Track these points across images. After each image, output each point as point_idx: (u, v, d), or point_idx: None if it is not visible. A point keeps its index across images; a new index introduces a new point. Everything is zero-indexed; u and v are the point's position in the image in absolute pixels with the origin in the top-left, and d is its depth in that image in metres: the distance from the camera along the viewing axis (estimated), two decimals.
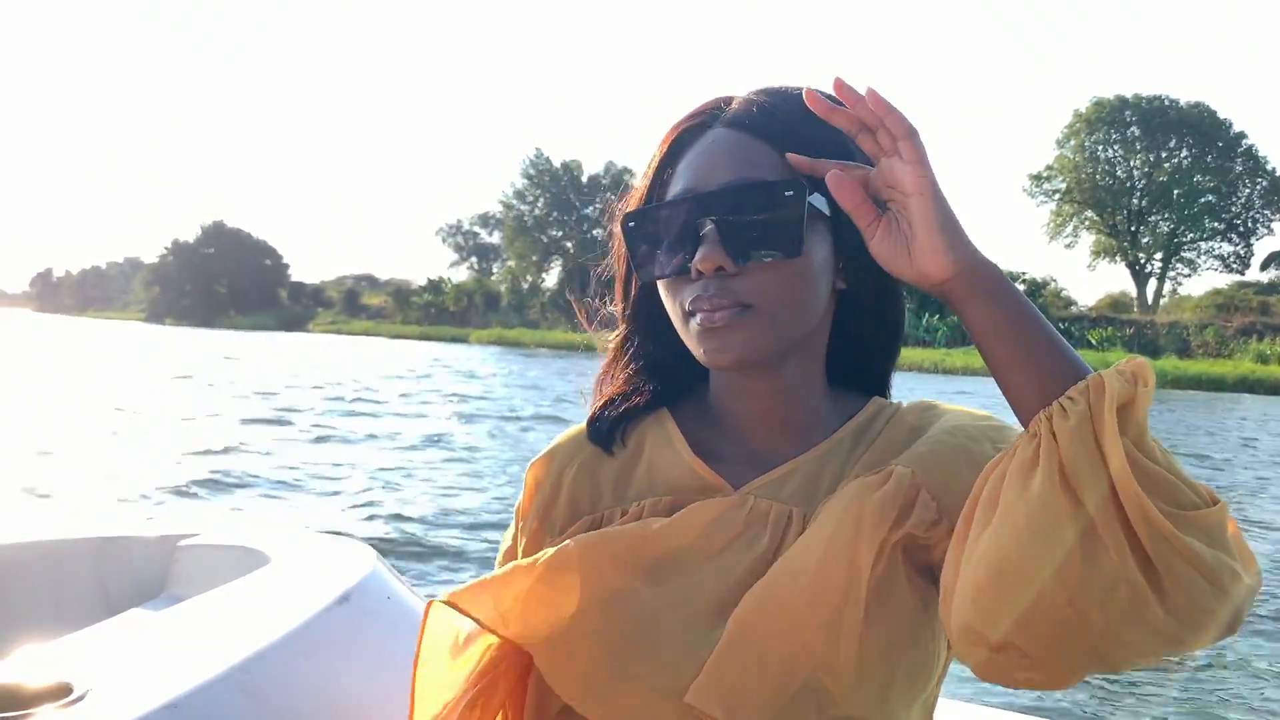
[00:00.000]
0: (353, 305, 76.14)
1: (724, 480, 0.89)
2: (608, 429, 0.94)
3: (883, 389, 0.97)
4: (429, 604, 0.91)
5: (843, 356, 0.94)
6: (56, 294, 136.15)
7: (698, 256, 0.81)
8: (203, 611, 1.34)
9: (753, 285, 0.82)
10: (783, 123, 0.85)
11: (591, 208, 64.55)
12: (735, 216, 0.81)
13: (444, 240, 69.34)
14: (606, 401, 0.95)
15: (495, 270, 71.39)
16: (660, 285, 0.88)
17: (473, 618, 0.86)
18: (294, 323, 73.41)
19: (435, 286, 68.35)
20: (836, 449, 0.89)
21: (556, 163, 65.96)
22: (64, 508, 6.48)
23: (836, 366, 0.94)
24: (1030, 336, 0.76)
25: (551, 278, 65.81)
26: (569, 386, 21.78)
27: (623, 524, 0.88)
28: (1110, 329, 39.95)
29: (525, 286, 64.48)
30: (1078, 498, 0.68)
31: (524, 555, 0.91)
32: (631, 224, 0.87)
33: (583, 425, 0.96)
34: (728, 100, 0.89)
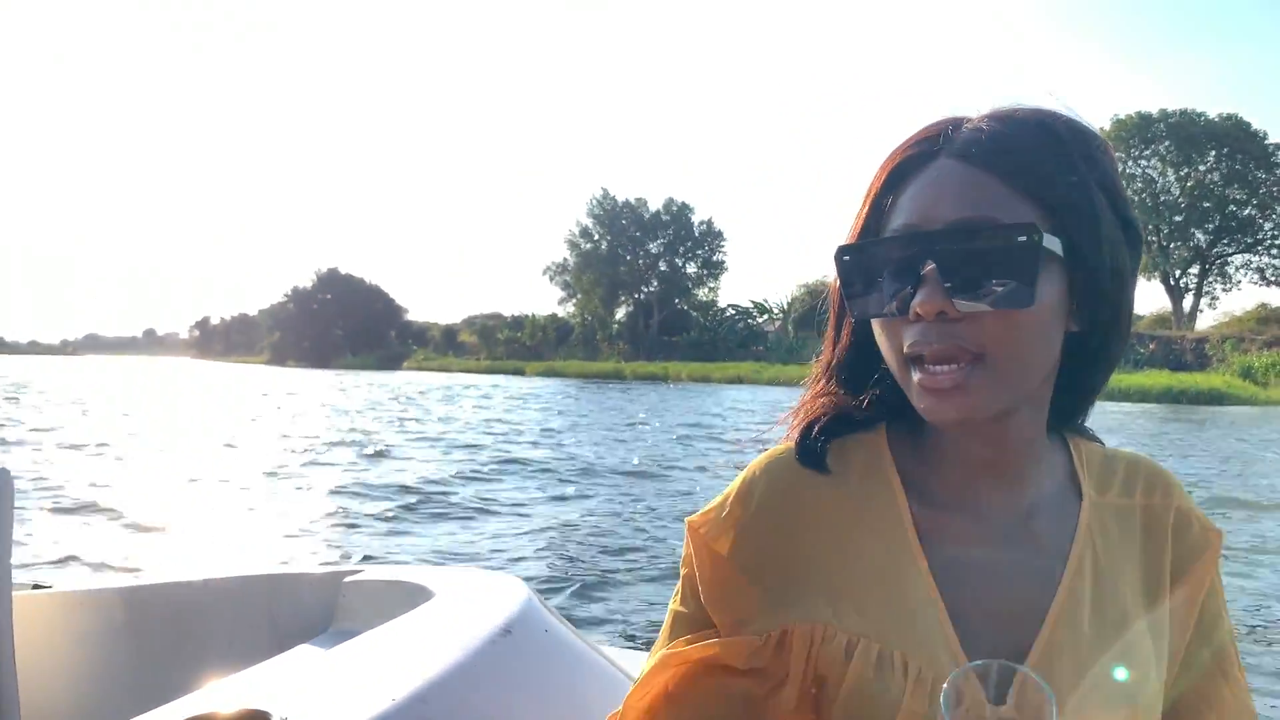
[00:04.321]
0: (449, 343, 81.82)
1: (940, 594, 0.79)
2: (819, 449, 0.86)
3: (1073, 419, 0.91)
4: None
5: (1056, 396, 0.85)
6: (211, 340, 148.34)
7: (918, 298, 0.75)
8: (376, 645, 1.38)
9: (980, 333, 0.74)
10: (1016, 155, 0.76)
11: (656, 244, 68.07)
12: (961, 258, 0.73)
13: (551, 279, 73.36)
14: (813, 420, 0.88)
15: None
16: (875, 323, 0.82)
17: None
18: (393, 361, 79.25)
19: (517, 323, 73.33)
20: (1080, 570, 0.82)
21: (620, 200, 69.77)
22: (236, 546, 6.91)
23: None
24: None
25: (622, 311, 69.44)
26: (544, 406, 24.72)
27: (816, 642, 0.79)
28: None
29: (593, 320, 68.25)
30: None
31: (708, 623, 0.87)
32: (846, 258, 0.81)
33: (772, 455, 0.89)
34: (956, 125, 0.80)
